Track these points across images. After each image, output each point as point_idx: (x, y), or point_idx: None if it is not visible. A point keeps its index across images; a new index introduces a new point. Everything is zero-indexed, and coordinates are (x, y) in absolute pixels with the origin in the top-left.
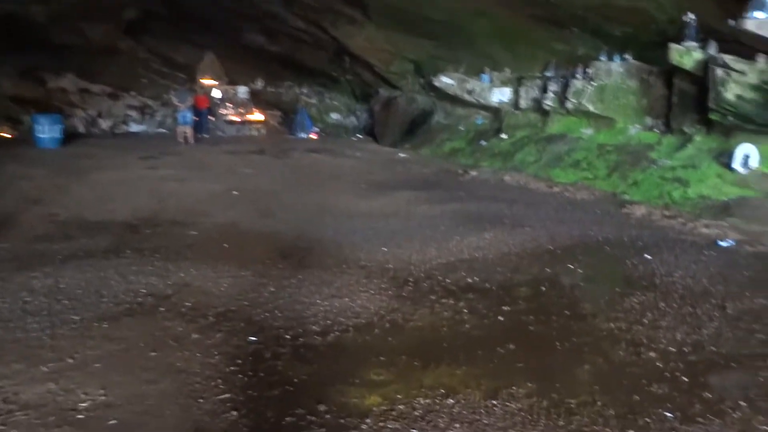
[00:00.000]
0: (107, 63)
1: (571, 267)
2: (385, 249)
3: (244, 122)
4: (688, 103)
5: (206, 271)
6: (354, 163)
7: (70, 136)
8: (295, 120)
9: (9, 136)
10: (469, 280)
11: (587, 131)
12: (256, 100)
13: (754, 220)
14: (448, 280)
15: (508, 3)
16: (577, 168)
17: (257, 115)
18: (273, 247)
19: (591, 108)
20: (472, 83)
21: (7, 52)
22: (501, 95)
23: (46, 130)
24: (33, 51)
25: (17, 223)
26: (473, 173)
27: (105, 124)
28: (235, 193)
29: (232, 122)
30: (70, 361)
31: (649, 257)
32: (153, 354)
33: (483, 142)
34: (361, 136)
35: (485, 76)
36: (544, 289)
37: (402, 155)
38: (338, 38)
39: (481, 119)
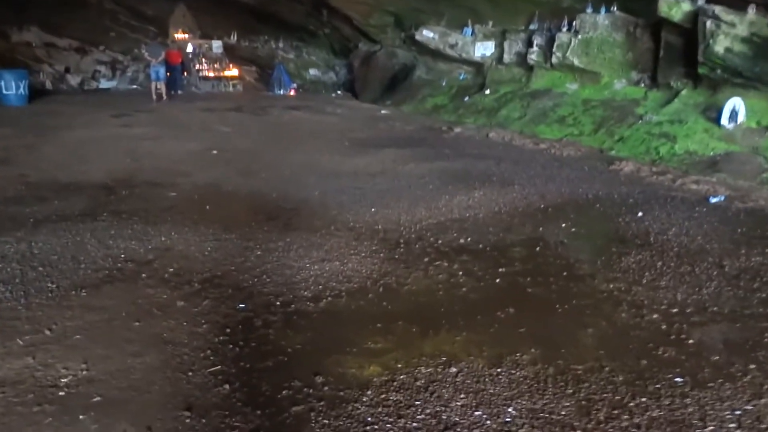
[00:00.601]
0: (72, 15)
1: (564, 226)
2: (374, 210)
3: (219, 78)
4: (675, 56)
5: (188, 234)
6: (335, 120)
7: (36, 93)
8: (273, 76)
9: None
10: (462, 241)
11: (572, 86)
12: (231, 55)
13: (741, 176)
14: (440, 242)
15: None
16: (562, 124)
17: (233, 71)
18: (257, 208)
19: (576, 62)
20: (454, 37)
21: None
22: (484, 49)
23: (12, 87)
24: None
25: None
26: (457, 130)
27: (73, 80)
28: (214, 152)
29: (206, 78)
30: (48, 333)
31: (641, 215)
32: (136, 324)
33: (466, 98)
34: (340, 93)
35: (468, 30)
36: (538, 249)
37: (384, 112)
38: None
39: (463, 74)
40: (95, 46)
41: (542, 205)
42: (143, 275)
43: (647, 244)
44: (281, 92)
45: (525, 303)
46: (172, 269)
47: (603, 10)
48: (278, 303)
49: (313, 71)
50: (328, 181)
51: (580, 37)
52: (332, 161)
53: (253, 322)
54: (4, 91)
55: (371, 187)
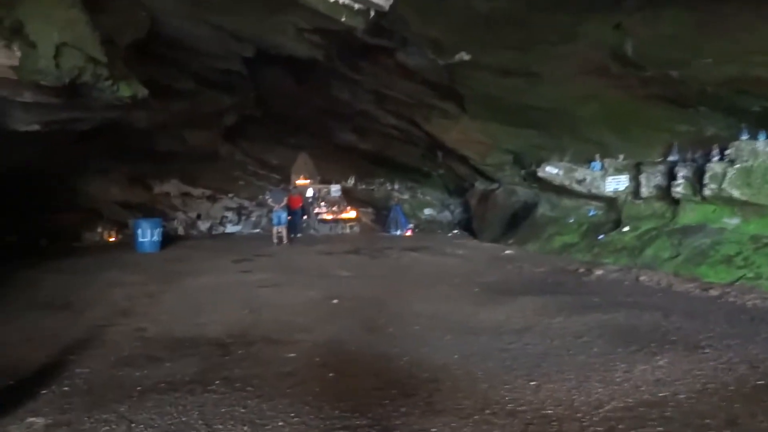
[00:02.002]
0: (207, 167)
1: None
2: (534, 383)
3: (337, 220)
4: None
5: (310, 417)
6: (458, 262)
7: (169, 239)
8: (389, 217)
9: (115, 239)
10: None
11: (732, 221)
12: (349, 197)
13: None
14: None
15: (623, 84)
16: (730, 265)
17: (350, 213)
18: (389, 378)
19: (736, 194)
20: (581, 172)
21: (117, 161)
22: (617, 184)
23: (147, 234)
24: (140, 159)
25: (103, 342)
26: (599, 272)
27: (203, 225)
28: (334, 301)
29: (325, 221)
30: None
31: None
32: None
33: (601, 236)
34: (457, 232)
35: (596, 164)
36: None
37: (508, 252)
38: (431, 132)
39: (593, 210)
40: (225, 193)
41: (759, 380)
42: None
43: None
44: (398, 232)
45: None
46: None
47: (762, 135)
48: None
49: (428, 211)
50: (466, 340)
51: (738, 166)
52: (464, 312)
53: None
54: (140, 239)
55: (520, 350)
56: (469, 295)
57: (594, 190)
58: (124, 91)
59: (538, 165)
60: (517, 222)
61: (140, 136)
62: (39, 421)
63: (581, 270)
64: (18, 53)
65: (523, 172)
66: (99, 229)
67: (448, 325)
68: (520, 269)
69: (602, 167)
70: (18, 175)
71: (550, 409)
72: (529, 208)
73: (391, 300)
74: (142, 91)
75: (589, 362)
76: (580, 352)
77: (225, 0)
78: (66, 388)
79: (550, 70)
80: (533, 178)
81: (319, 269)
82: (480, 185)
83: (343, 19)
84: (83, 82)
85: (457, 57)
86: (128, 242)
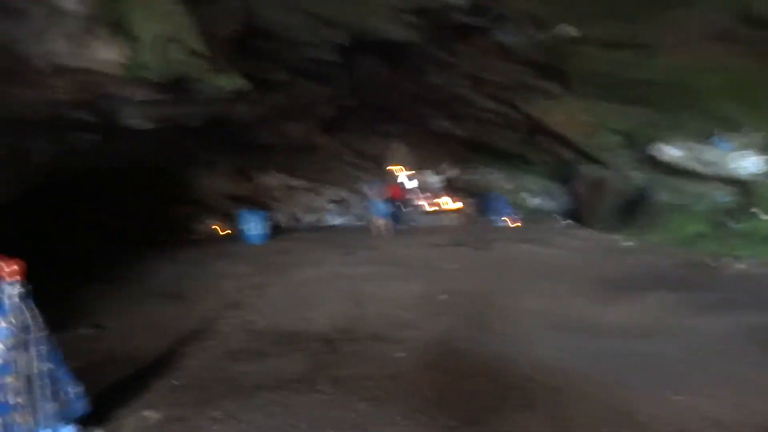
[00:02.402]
0: (306, 159)
1: None
2: (679, 397)
3: (437, 211)
4: None
5: (424, 426)
6: (570, 254)
7: (273, 231)
8: (491, 206)
9: (223, 231)
10: None
11: None
12: (448, 186)
13: None
14: None
15: (752, 51)
16: None
17: (451, 203)
18: (505, 381)
19: None
20: (705, 152)
21: (223, 154)
22: (750, 164)
23: (253, 227)
24: (244, 152)
25: (213, 333)
26: (740, 266)
27: (305, 217)
28: (441, 297)
29: (425, 211)
30: None
31: None
32: None
33: (736, 225)
34: (564, 221)
35: (724, 143)
36: None
37: (625, 243)
38: (532, 115)
39: (723, 195)
40: (325, 185)
41: None
42: None
43: None
44: (501, 222)
45: None
46: None
47: None
48: None
49: (531, 199)
50: (588, 341)
51: None
52: (583, 310)
53: None
54: (247, 231)
55: (656, 356)
56: (588, 291)
57: (722, 173)
58: (227, 84)
59: (650, 144)
60: (633, 210)
61: (243, 129)
62: (153, 415)
63: (713, 263)
64: (124, 49)
65: (634, 154)
66: (208, 221)
67: (566, 324)
68: (642, 262)
69: (731, 146)
70: (137, 170)
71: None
72: (645, 194)
73: (501, 295)
74: (244, 84)
75: (741, 373)
76: (730, 360)
77: None
78: (177, 382)
79: (665, 39)
80: (648, 161)
81: (423, 261)
82: (587, 170)
83: None
84: (187, 75)
85: (560, 31)
86: (236, 234)
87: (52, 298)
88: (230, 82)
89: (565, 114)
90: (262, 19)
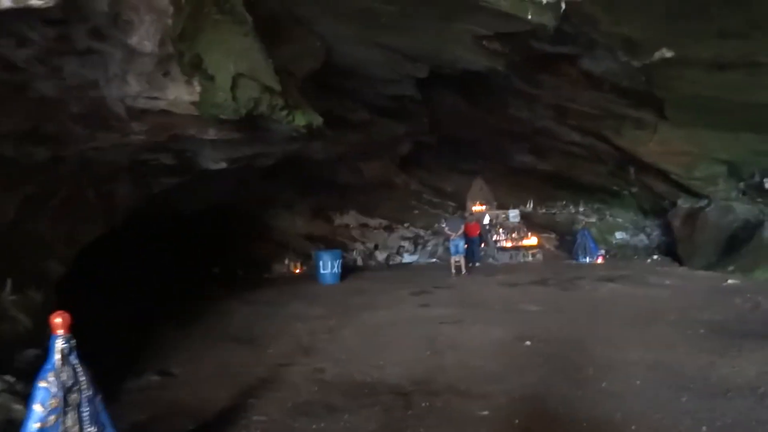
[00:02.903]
0: (383, 197)
1: None
2: None
3: (517, 248)
4: None
5: None
6: (667, 294)
7: (348, 270)
8: (576, 242)
9: (300, 271)
10: None
11: None
12: (528, 223)
13: None
14: None
15: None
16: None
17: (531, 240)
18: None
19: None
20: None
21: (300, 195)
22: None
23: (328, 266)
24: (321, 192)
25: (282, 383)
26: None
27: (380, 256)
28: (527, 343)
29: (504, 248)
30: None
31: None
32: None
33: None
34: (658, 258)
35: None
36: None
37: (731, 281)
38: (622, 146)
39: None
40: (401, 223)
41: None
42: None
43: None
44: (587, 260)
45: None
46: None
47: None
48: None
49: (619, 234)
50: (712, 404)
51: None
52: (696, 362)
53: None
54: (322, 270)
55: None
56: (696, 339)
57: None
58: (300, 120)
59: (763, 175)
60: (737, 245)
61: (320, 169)
62: None
63: None
64: (198, 88)
65: (743, 184)
66: (286, 261)
67: (678, 380)
68: (753, 304)
69: None
70: (217, 210)
71: None
72: (751, 228)
73: (594, 343)
74: (317, 120)
75: None
76: None
77: (396, 16)
78: None
79: None
80: (758, 192)
81: (504, 303)
82: (684, 203)
83: (529, 17)
84: (260, 113)
85: (657, 55)
86: (312, 273)
87: (126, 341)
88: (303, 118)
89: (661, 144)
90: (340, 56)
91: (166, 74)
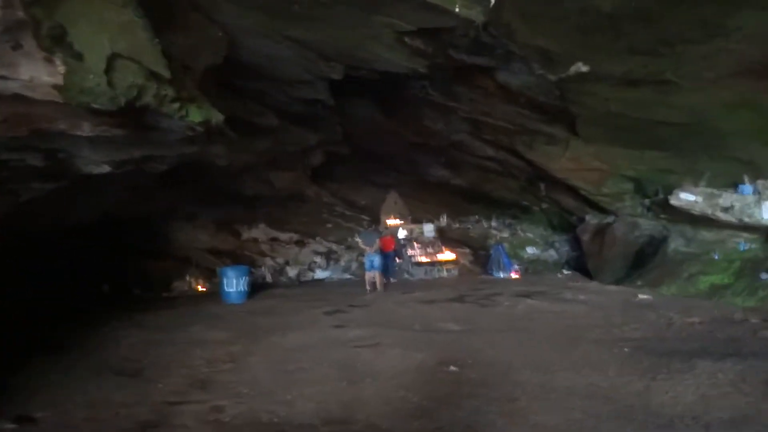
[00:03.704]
0: (294, 210)
1: None
2: None
3: (433, 263)
4: None
5: None
6: (583, 310)
7: (256, 288)
8: (491, 258)
9: (204, 289)
10: None
11: None
12: (443, 237)
13: None
14: None
15: None
16: None
17: (447, 255)
18: None
19: None
20: (726, 198)
21: (204, 206)
22: None
23: (233, 284)
24: (227, 204)
25: (170, 428)
26: None
27: (292, 272)
28: (452, 368)
29: (420, 263)
30: None
31: None
32: None
33: (764, 276)
34: (568, 272)
35: (746, 187)
36: None
37: (642, 296)
38: (534, 162)
39: (744, 244)
40: (312, 237)
41: None
42: None
43: None
44: (501, 275)
45: None
46: None
47: None
48: None
49: (530, 249)
50: None
51: None
52: (631, 387)
53: None
54: (226, 288)
55: None
56: (622, 359)
57: (746, 219)
58: (195, 116)
59: (666, 192)
60: (644, 260)
61: (226, 179)
62: None
63: (753, 320)
64: (62, 68)
65: (648, 201)
66: (188, 278)
67: (618, 410)
68: (667, 320)
69: (756, 191)
70: (110, 221)
71: None
72: (656, 244)
73: (522, 366)
74: (216, 116)
75: None
76: None
77: (309, 4)
78: None
79: (689, 74)
80: (662, 208)
81: (423, 322)
82: (592, 219)
83: (457, 9)
84: (144, 104)
85: (573, 69)
86: (216, 291)
87: None
88: (198, 113)
89: (572, 160)
90: (246, 51)
91: (16, 47)
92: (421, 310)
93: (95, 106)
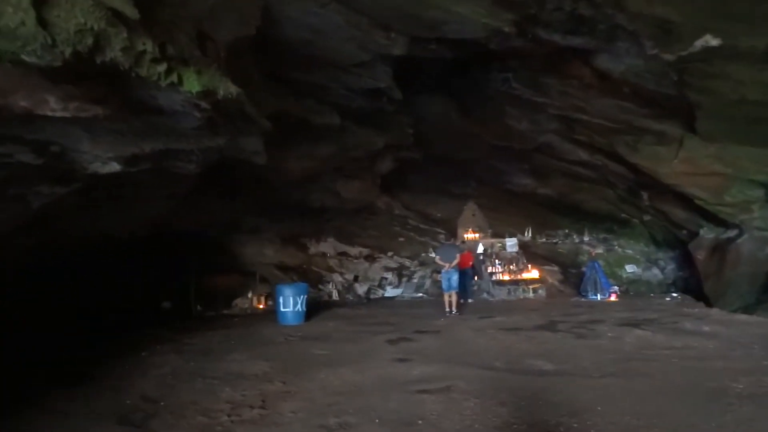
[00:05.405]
0: (365, 224)
1: None
2: None
3: (516, 282)
4: None
5: None
6: (714, 347)
7: (320, 306)
8: (584, 277)
9: (263, 306)
10: None
11: None
12: (527, 253)
13: None
14: None
15: None
16: None
17: (532, 273)
18: None
19: None
20: None
21: (268, 219)
22: None
23: (289, 303)
24: (293, 216)
25: None
26: None
27: (360, 288)
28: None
29: (501, 282)
30: None
31: None
32: None
33: None
34: (676, 295)
35: None
36: None
37: None
38: (639, 165)
39: None
40: (384, 252)
41: None
42: None
43: None
44: (598, 297)
45: None
46: None
47: None
48: None
49: (630, 268)
50: None
51: None
52: None
53: None
54: (282, 308)
55: None
56: None
57: None
58: (191, 84)
59: None
60: None
61: (288, 189)
62: None
63: None
64: None
65: None
66: (249, 295)
67: None
68: None
69: None
70: (170, 235)
71: None
72: None
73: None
74: (227, 87)
75: None
76: None
77: None
78: None
79: None
80: None
81: (506, 357)
82: (707, 233)
83: None
84: (111, 61)
85: (699, 43)
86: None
87: None
88: (196, 82)
89: (685, 162)
90: (287, 23)
91: None
92: (503, 340)
93: (27, 58)
